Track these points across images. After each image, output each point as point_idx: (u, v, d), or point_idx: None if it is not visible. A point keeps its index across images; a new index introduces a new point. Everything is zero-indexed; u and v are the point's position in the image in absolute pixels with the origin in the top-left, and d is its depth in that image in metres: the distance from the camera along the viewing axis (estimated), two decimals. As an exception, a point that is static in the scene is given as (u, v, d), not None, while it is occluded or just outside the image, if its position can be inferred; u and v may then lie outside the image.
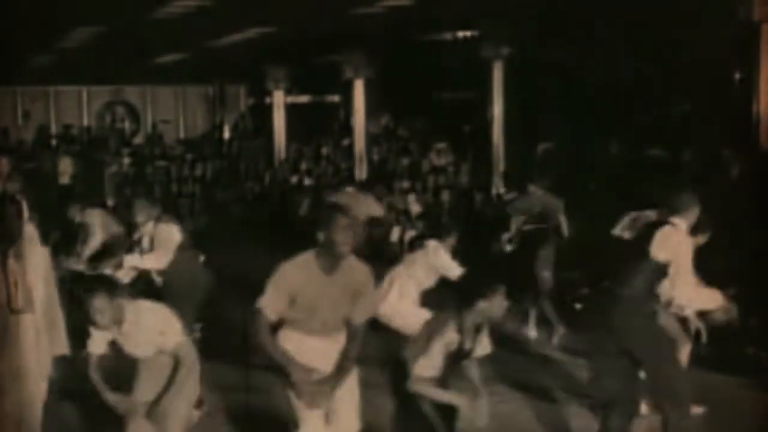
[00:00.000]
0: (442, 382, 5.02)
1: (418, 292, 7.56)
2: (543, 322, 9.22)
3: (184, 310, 6.06)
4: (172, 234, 7.61)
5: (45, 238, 5.59)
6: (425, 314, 7.31)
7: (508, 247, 9.91)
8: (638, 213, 7.80)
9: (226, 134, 22.73)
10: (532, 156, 14.63)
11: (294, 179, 17.84)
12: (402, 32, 15.00)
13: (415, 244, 8.47)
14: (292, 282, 4.76)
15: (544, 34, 13.84)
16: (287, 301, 4.76)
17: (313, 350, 4.85)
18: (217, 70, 21.55)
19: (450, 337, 4.95)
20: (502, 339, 6.32)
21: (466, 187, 14.93)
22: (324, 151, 19.46)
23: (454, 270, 7.59)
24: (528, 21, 13.19)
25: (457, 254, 7.81)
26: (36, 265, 4.99)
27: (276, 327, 4.92)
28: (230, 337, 7.52)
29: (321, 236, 4.71)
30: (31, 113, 21.90)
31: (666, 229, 5.63)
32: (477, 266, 8.08)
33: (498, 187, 14.16)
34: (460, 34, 15.78)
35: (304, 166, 18.47)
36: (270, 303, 4.76)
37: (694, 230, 5.80)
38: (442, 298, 7.64)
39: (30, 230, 5.33)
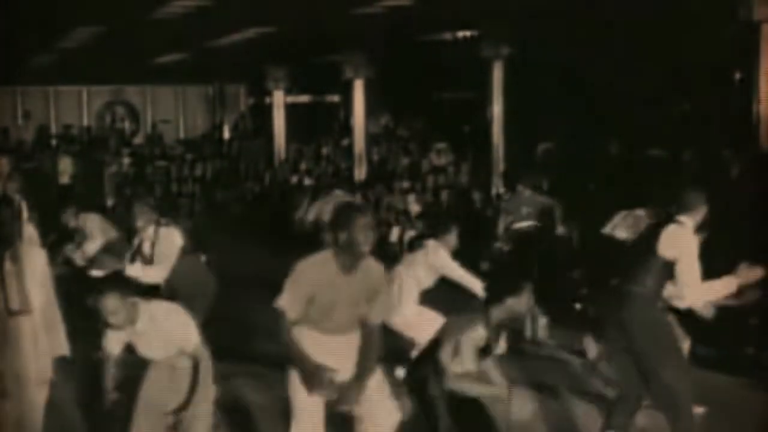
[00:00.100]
0: (477, 377, 5.08)
1: (418, 292, 7.57)
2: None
3: (191, 315, 6.02)
4: (173, 238, 7.51)
5: (44, 239, 5.60)
6: (427, 313, 7.37)
7: (505, 247, 10.01)
8: (628, 211, 7.92)
9: (226, 134, 22.75)
10: (532, 156, 14.64)
11: (294, 179, 17.85)
12: (402, 32, 15.00)
13: (415, 244, 8.48)
14: (310, 281, 4.76)
15: (544, 34, 13.84)
16: (306, 300, 4.77)
17: (327, 349, 4.84)
18: (217, 70, 21.55)
19: (479, 333, 5.03)
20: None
21: (466, 187, 14.93)
22: (324, 151, 19.47)
23: (456, 270, 7.60)
24: (528, 21, 13.18)
25: (458, 254, 7.81)
26: (34, 265, 4.98)
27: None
28: (231, 337, 7.52)
29: (342, 236, 4.70)
30: (31, 113, 21.91)
31: (672, 227, 5.69)
32: (476, 265, 8.10)
33: (498, 187, 14.17)
34: (460, 34, 15.78)
35: (304, 166, 18.47)
36: (290, 302, 4.77)
37: (699, 229, 5.86)
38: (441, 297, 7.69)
39: (30, 231, 5.33)
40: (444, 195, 14.81)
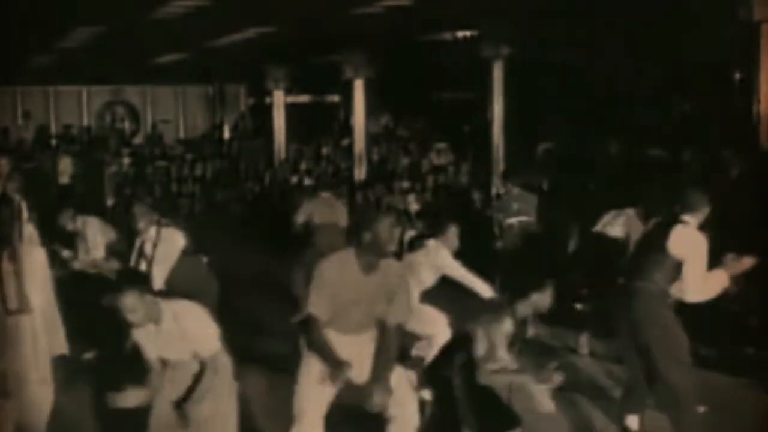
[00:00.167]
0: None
1: (419, 292, 7.56)
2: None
3: None
4: (175, 239, 7.48)
5: (43, 239, 5.59)
6: (428, 312, 7.38)
7: (499, 244, 10.21)
8: (618, 210, 8.02)
9: (226, 134, 22.74)
10: (532, 156, 14.64)
11: (294, 179, 17.84)
12: (402, 32, 15.00)
13: (416, 243, 8.48)
14: (332, 280, 4.81)
15: (544, 34, 13.84)
16: (330, 299, 4.80)
17: (341, 348, 4.86)
18: (217, 70, 21.56)
19: (507, 327, 5.07)
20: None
21: (466, 187, 14.93)
22: (324, 151, 19.46)
23: (458, 269, 7.60)
24: (528, 21, 13.18)
25: (459, 254, 7.81)
26: (34, 265, 4.98)
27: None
28: (232, 337, 7.51)
29: (366, 236, 4.75)
30: (31, 113, 21.91)
31: (681, 226, 5.87)
32: (477, 263, 8.11)
33: (498, 187, 14.16)
34: (460, 34, 15.77)
35: (304, 166, 18.46)
36: (318, 304, 4.82)
37: (700, 229, 6.00)
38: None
39: (30, 230, 5.32)
40: (444, 195, 14.79)
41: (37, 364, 4.98)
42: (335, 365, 4.79)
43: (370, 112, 17.53)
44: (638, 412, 6.23)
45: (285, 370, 7.12)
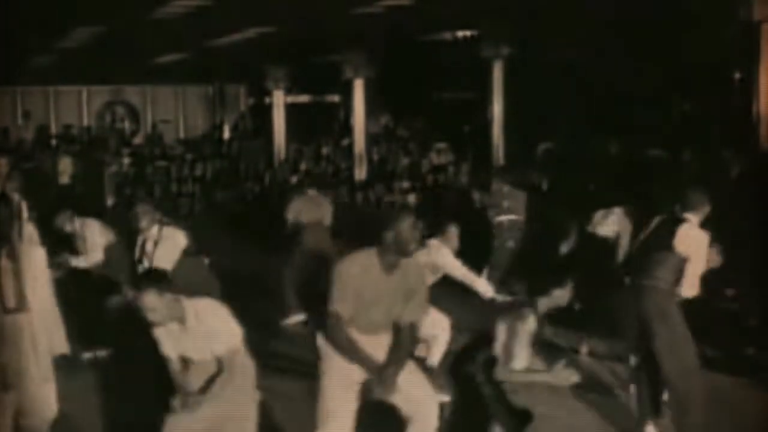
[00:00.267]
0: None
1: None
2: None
3: None
4: (177, 239, 7.46)
5: (43, 239, 5.59)
6: (430, 313, 7.37)
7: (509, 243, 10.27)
8: (606, 210, 8.08)
9: (226, 134, 22.74)
10: (532, 156, 14.63)
11: (294, 179, 17.83)
12: (402, 32, 15.00)
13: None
14: (354, 279, 4.82)
15: (544, 34, 13.84)
16: (352, 298, 4.82)
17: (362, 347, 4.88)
18: (217, 70, 21.56)
19: (531, 324, 5.09)
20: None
21: (466, 187, 14.93)
22: (324, 151, 19.46)
23: (459, 268, 7.60)
24: (528, 21, 13.18)
25: (459, 254, 7.81)
26: (34, 265, 4.98)
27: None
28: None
29: (389, 236, 4.78)
30: (31, 113, 21.91)
31: (686, 225, 6.03)
32: (477, 262, 8.13)
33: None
34: (460, 34, 15.78)
35: (304, 166, 18.46)
36: (341, 303, 4.83)
37: (701, 226, 6.14)
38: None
39: (29, 230, 5.32)
40: (444, 194, 14.79)
41: (38, 363, 4.97)
42: (366, 363, 4.82)
43: (370, 112, 17.53)
44: (655, 418, 6.26)
45: (297, 372, 7.17)
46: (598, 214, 8.30)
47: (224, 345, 5.02)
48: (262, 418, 5.38)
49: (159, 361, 5.27)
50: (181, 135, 23.19)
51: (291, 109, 19.98)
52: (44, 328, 4.98)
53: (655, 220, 6.30)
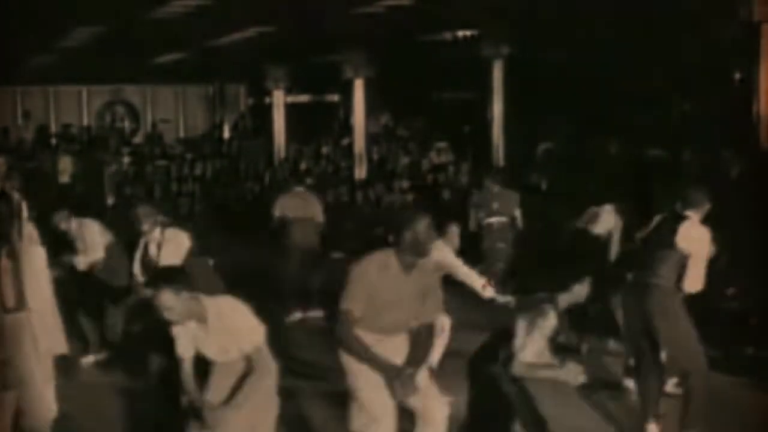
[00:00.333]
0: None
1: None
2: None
3: None
4: (181, 240, 7.36)
5: (43, 238, 5.57)
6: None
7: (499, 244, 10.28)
8: (598, 207, 8.11)
9: (226, 134, 22.74)
10: (532, 156, 14.63)
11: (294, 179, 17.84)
12: (402, 32, 15.00)
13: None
14: (371, 280, 4.79)
15: (544, 34, 13.83)
16: (367, 300, 4.79)
17: (377, 350, 4.85)
18: (217, 69, 21.55)
19: (552, 321, 5.09)
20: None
21: (466, 187, 14.93)
22: (324, 150, 19.47)
23: (461, 268, 7.60)
24: (528, 21, 13.18)
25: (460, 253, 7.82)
26: (34, 264, 4.97)
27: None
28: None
29: (407, 236, 4.76)
30: (31, 113, 21.91)
31: (688, 222, 6.08)
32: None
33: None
34: (460, 34, 15.77)
35: (304, 165, 18.46)
36: (353, 302, 4.78)
37: (702, 223, 6.20)
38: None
39: (29, 230, 5.31)
40: (444, 194, 14.79)
41: (38, 363, 4.97)
42: (379, 362, 4.78)
43: (370, 111, 17.53)
44: (657, 419, 6.29)
45: (305, 375, 7.17)
46: (589, 212, 8.32)
47: (250, 343, 4.95)
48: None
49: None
50: (181, 135, 23.19)
51: (291, 109, 19.99)
52: (44, 328, 4.97)
53: (657, 218, 6.34)
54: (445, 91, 18.52)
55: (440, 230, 7.84)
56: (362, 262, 4.85)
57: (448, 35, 16.00)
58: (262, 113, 21.53)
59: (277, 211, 10.53)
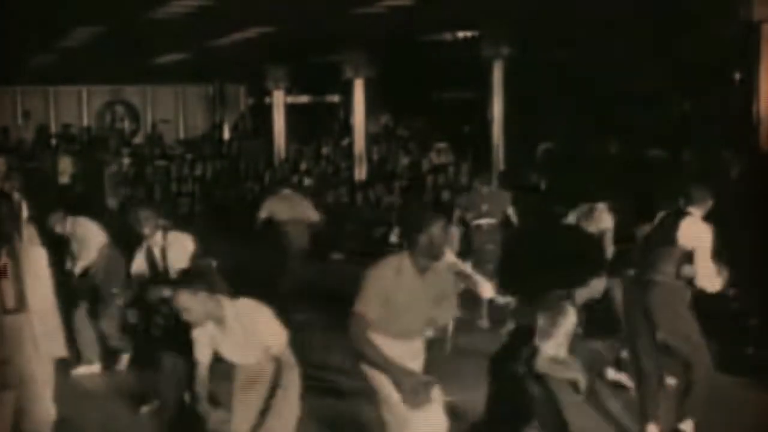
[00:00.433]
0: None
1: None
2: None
3: None
4: (185, 244, 7.22)
5: (43, 238, 5.57)
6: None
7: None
8: (591, 204, 8.14)
9: (226, 134, 22.75)
10: (532, 156, 14.63)
11: (294, 179, 17.84)
12: (402, 32, 14.99)
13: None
14: (387, 284, 4.76)
15: (544, 34, 13.83)
16: (382, 303, 4.75)
17: (392, 354, 4.80)
18: (217, 70, 21.56)
19: (572, 318, 5.09)
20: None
21: (466, 187, 14.93)
22: (324, 150, 19.47)
23: (459, 266, 7.60)
24: (528, 21, 13.18)
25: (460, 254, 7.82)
26: (34, 265, 4.96)
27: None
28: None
29: (422, 238, 4.74)
30: (31, 113, 21.92)
31: (689, 219, 6.15)
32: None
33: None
34: (460, 34, 15.77)
35: (304, 166, 18.47)
36: (367, 306, 4.74)
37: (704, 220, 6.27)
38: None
39: (30, 230, 5.31)
40: (444, 194, 14.80)
41: (39, 364, 4.96)
42: (391, 368, 4.72)
43: (370, 111, 17.53)
44: (657, 419, 6.30)
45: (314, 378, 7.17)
46: (580, 209, 8.33)
47: (275, 346, 4.92)
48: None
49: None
50: (181, 135, 23.20)
51: (291, 109, 19.99)
52: (45, 330, 4.95)
53: (659, 216, 6.38)
54: (445, 91, 18.52)
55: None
56: (378, 265, 4.82)
57: (448, 35, 16.00)
58: (262, 113, 21.53)
59: (263, 213, 10.54)
